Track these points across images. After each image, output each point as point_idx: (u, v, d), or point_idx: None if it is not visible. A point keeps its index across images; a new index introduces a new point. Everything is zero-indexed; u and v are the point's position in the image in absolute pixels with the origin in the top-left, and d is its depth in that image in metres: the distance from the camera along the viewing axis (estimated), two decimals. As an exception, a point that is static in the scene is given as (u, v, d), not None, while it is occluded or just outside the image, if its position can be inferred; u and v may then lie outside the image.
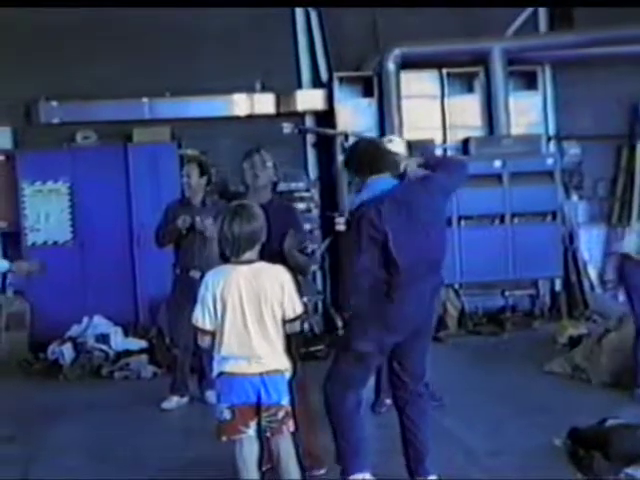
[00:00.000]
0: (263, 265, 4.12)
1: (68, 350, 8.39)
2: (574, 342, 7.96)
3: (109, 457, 5.63)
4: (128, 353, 8.41)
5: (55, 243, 9.55)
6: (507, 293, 10.14)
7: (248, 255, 4.09)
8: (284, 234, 4.62)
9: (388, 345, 4.47)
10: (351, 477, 4.46)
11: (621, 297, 6.95)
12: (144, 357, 8.34)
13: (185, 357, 6.95)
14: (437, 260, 4.53)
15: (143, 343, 8.59)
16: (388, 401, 6.15)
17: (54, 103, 9.93)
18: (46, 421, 6.52)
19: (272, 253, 4.54)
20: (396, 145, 6.04)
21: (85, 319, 8.76)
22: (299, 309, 4.10)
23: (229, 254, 4.09)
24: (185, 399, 6.96)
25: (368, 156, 4.59)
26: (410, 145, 6.25)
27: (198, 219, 6.68)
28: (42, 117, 9.95)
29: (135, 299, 9.54)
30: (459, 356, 8.39)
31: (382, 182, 4.47)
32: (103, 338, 8.55)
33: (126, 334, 8.77)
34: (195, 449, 5.55)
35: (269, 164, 4.84)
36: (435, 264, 4.51)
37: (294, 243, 4.70)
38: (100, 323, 8.74)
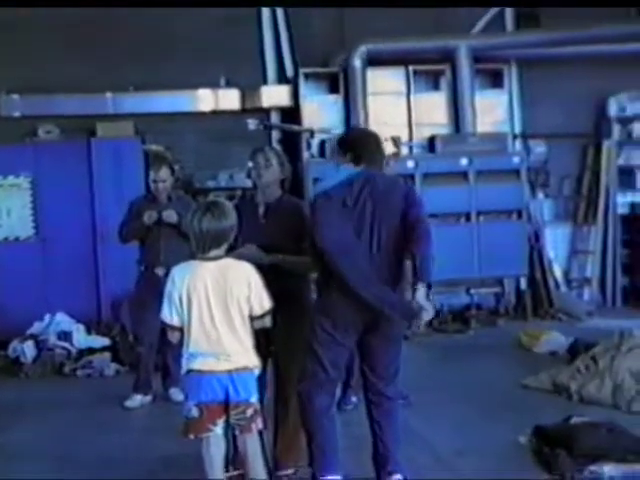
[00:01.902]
0: (230, 262, 4.12)
1: (29, 348, 8.31)
2: (555, 353, 7.93)
3: (71, 457, 5.57)
4: (91, 351, 8.36)
5: (17, 239, 9.45)
6: (472, 291, 10.22)
7: (215, 252, 4.09)
8: (293, 233, 4.61)
9: (342, 343, 4.44)
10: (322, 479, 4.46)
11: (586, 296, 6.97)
12: (107, 355, 8.28)
13: (149, 355, 6.91)
14: (385, 262, 4.42)
15: (106, 341, 8.52)
16: (354, 398, 6.20)
17: (15, 96, 9.87)
18: (6, 420, 6.44)
19: (282, 252, 4.57)
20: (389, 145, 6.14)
21: (47, 316, 8.68)
22: (267, 305, 4.10)
23: (195, 249, 4.10)
24: (149, 397, 6.93)
25: (373, 146, 4.66)
26: (396, 142, 6.31)
27: (165, 213, 6.66)
28: (3, 110, 9.88)
29: (98, 296, 9.47)
30: (425, 354, 8.41)
31: (352, 171, 4.53)
32: (65, 335, 8.48)
33: (89, 331, 8.70)
34: (160, 448, 5.51)
35: (274, 162, 4.83)
36: (383, 265, 4.41)
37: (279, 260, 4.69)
38: (62, 320, 8.67)
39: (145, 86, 9.98)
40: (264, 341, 4.38)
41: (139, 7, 9.45)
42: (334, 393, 4.61)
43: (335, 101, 10.28)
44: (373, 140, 4.72)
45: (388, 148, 6.11)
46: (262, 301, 4.09)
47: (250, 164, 4.91)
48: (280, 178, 4.89)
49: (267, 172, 4.82)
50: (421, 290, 4.29)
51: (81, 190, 9.46)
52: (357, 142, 4.68)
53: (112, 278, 9.31)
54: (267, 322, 4.16)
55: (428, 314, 4.32)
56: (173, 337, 4.16)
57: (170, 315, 4.08)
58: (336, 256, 4.31)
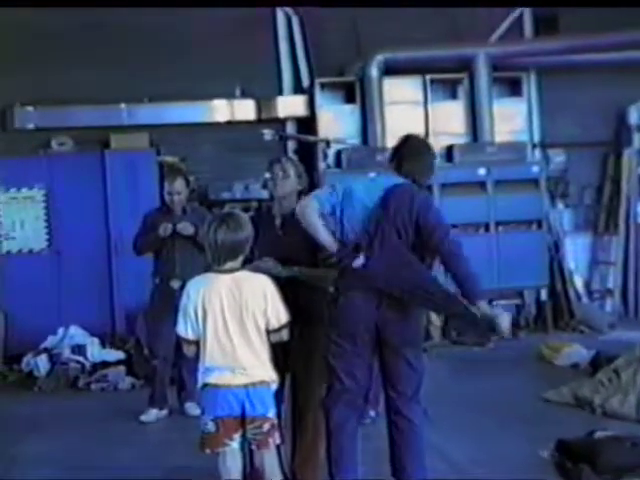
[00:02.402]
0: (246, 274, 4.11)
1: (43, 361, 8.34)
2: (577, 366, 7.87)
3: (86, 471, 5.57)
4: (105, 364, 8.38)
5: (30, 251, 9.52)
6: (492, 303, 10.17)
7: (230, 264, 4.09)
8: (310, 245, 4.61)
9: (353, 353, 4.41)
10: None
11: (608, 307, 6.91)
12: (122, 368, 8.30)
13: (164, 368, 6.92)
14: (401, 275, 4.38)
15: (121, 354, 8.54)
16: (372, 412, 6.16)
17: (29, 108, 9.94)
18: (21, 434, 6.47)
19: (299, 265, 4.58)
20: None
21: (61, 329, 8.70)
22: (284, 318, 4.09)
23: (211, 262, 4.10)
24: (164, 411, 6.93)
25: (428, 161, 4.66)
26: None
27: (180, 225, 6.68)
28: (17, 122, 9.95)
29: (112, 309, 9.51)
30: (443, 367, 8.38)
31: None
32: (79, 349, 8.50)
33: (103, 345, 8.73)
34: (176, 462, 5.51)
35: (291, 172, 4.84)
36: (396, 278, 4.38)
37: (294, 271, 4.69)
38: (76, 334, 8.69)
39: (160, 97, 10.03)
40: (282, 355, 4.37)
41: (147, 7, 9.47)
42: (355, 404, 4.51)
43: (351, 111, 10.29)
44: (423, 149, 4.69)
45: None
46: (279, 314, 4.09)
47: (267, 175, 4.90)
48: (297, 189, 4.88)
49: (284, 183, 4.81)
50: (483, 305, 4.37)
51: (95, 202, 9.51)
52: (404, 149, 4.65)
53: (126, 291, 9.34)
54: (284, 335, 4.15)
55: (504, 318, 4.42)
56: (189, 351, 4.16)
57: (185, 329, 4.09)
58: None
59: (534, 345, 8.80)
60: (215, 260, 4.09)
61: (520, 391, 7.17)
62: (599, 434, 5.30)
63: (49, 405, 7.53)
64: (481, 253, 9.78)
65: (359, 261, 4.35)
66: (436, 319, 9.73)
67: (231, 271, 4.08)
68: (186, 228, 6.68)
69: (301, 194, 4.92)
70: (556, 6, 10.37)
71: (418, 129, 10.24)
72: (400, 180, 4.53)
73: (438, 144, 10.28)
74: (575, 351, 8.21)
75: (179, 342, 4.29)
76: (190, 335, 4.08)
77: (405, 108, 10.31)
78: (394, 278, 4.32)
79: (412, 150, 4.64)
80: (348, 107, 10.35)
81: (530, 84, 10.77)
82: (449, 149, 10.23)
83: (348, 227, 4.44)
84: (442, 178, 9.76)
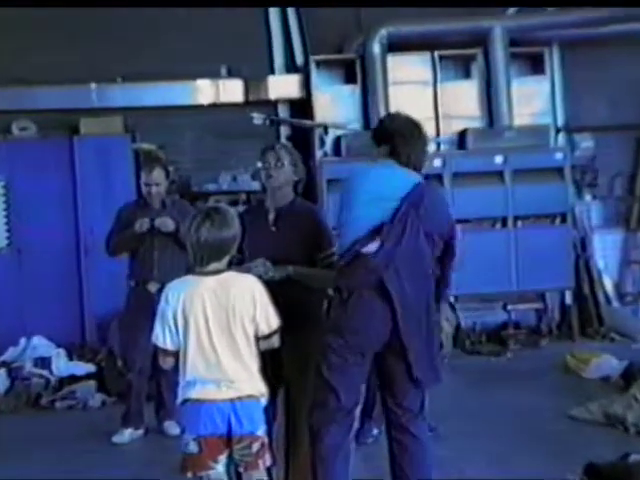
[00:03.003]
0: (231, 275, 4.11)
1: (1, 377, 8.33)
2: (607, 379, 7.88)
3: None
4: (73, 379, 8.36)
5: (-12, 250, 9.53)
6: (510, 307, 10.20)
7: (215, 265, 4.09)
8: (307, 242, 4.61)
9: (356, 366, 4.40)
10: None
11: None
12: (92, 383, 8.29)
13: (140, 383, 6.93)
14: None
15: (91, 367, 8.54)
16: (375, 431, 6.18)
17: (-15, 89, 9.92)
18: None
19: (295, 264, 4.59)
20: None
21: (22, 340, 8.71)
22: (275, 323, 4.09)
23: (193, 262, 4.10)
24: (140, 431, 6.93)
25: (417, 140, 4.62)
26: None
27: (159, 221, 6.69)
28: (-28, 105, 9.93)
29: (82, 316, 9.53)
30: (455, 379, 8.36)
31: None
32: (43, 362, 8.49)
33: (70, 357, 8.74)
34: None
35: (286, 162, 4.85)
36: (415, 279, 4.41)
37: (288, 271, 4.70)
38: (40, 344, 8.69)
39: (135, 76, 10.02)
40: (272, 365, 4.37)
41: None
42: (350, 425, 4.53)
43: (351, 92, 10.30)
44: (417, 132, 4.64)
45: None
46: (269, 318, 4.08)
47: (259, 164, 4.92)
48: (293, 180, 4.90)
49: (278, 173, 4.83)
50: (445, 308, 4.45)
51: (62, 195, 9.53)
52: (398, 132, 4.60)
53: (98, 295, 9.35)
54: (275, 342, 4.15)
55: (445, 330, 4.45)
56: (165, 363, 4.16)
57: (163, 337, 4.07)
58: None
59: (558, 355, 8.80)
60: (197, 261, 4.08)
61: (543, 407, 7.16)
62: (634, 457, 5.29)
63: (8, 427, 7.51)
64: (498, 251, 9.84)
65: (373, 246, 4.32)
66: (447, 326, 9.75)
67: (215, 273, 4.08)
68: (165, 224, 6.68)
69: (297, 185, 4.94)
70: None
71: (427, 112, 10.29)
72: (416, 176, 4.52)
73: (449, 129, 10.38)
74: (605, 362, 8.21)
75: (157, 353, 4.29)
76: (168, 345, 4.07)
77: (411, 89, 10.31)
78: (409, 283, 4.33)
79: (407, 132, 4.58)
80: (347, 88, 10.36)
81: (553, 60, 10.75)
82: (462, 134, 10.25)
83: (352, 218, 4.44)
84: (454, 167, 9.81)
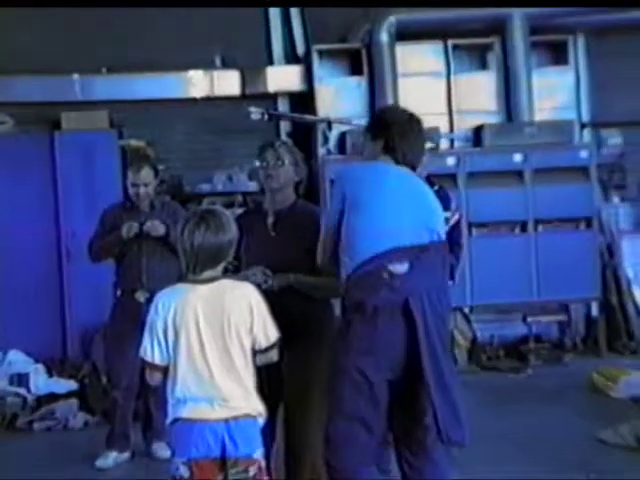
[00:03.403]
0: (226, 283, 4.10)
1: (-26, 396, 8.34)
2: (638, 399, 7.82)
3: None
4: (52, 397, 8.32)
5: (-40, 257, 9.52)
6: (530, 319, 10.17)
7: (209, 273, 4.09)
8: (310, 248, 4.60)
9: (380, 386, 4.36)
10: None
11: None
12: (73, 402, 8.25)
13: (127, 401, 6.91)
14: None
15: (72, 384, 8.51)
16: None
17: (-42, 80, 9.93)
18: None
19: (297, 271, 4.60)
20: None
21: (-3, 355, 8.71)
22: (274, 336, 4.09)
23: (185, 269, 4.09)
24: (126, 454, 6.91)
25: (415, 134, 4.60)
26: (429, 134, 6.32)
27: (148, 225, 6.67)
28: (-57, 97, 9.94)
29: (63, 328, 9.52)
30: (471, 398, 8.27)
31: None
32: (20, 379, 8.47)
33: (50, 373, 8.72)
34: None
35: (286, 160, 4.85)
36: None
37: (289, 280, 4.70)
38: (17, 360, 8.69)
39: (121, 66, 10.06)
40: (271, 381, 4.36)
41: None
42: (372, 454, 4.45)
43: (357, 85, 10.34)
44: (417, 127, 4.62)
45: None
46: (267, 330, 4.08)
47: (257, 163, 4.92)
48: (294, 181, 4.90)
49: (278, 173, 4.85)
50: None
51: (42, 195, 9.53)
52: (394, 126, 4.57)
53: (81, 305, 9.34)
54: (274, 356, 4.14)
55: None
56: (152, 378, 4.15)
57: (151, 351, 4.07)
58: None
59: (583, 372, 8.80)
60: (191, 268, 4.08)
61: (567, 429, 7.15)
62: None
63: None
64: (517, 258, 9.84)
65: (402, 267, 4.28)
66: (461, 339, 9.75)
67: (210, 281, 4.07)
68: (155, 228, 6.67)
69: (298, 186, 4.93)
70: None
71: (439, 106, 10.32)
72: (411, 173, 4.53)
73: (464, 124, 10.39)
74: (635, 380, 8.19)
75: (145, 368, 4.28)
76: (157, 359, 4.06)
77: (423, 81, 10.37)
78: (432, 316, 4.31)
79: (406, 126, 4.56)
80: (353, 80, 10.40)
81: (577, 49, 10.77)
82: (477, 130, 10.26)
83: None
84: (469, 166, 9.80)
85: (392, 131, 4.53)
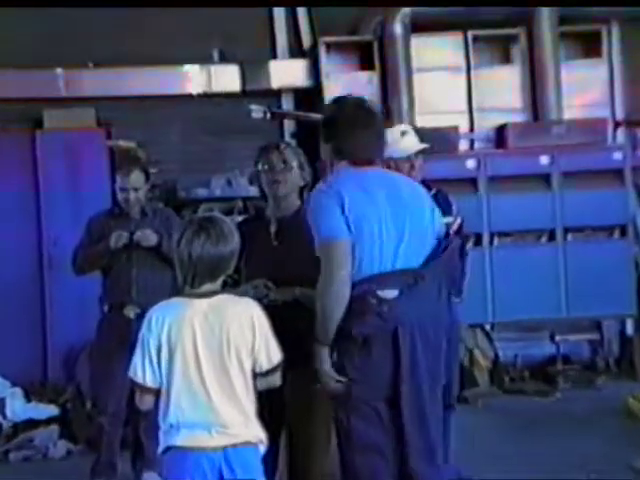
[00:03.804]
0: (226, 299, 4.11)
1: (-58, 423, 8.35)
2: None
3: None
4: (31, 424, 8.32)
5: None
6: (558, 338, 10.15)
7: (208, 287, 4.09)
8: (315, 259, 4.58)
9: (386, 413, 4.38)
10: None
11: None
12: (54, 429, 8.25)
13: (114, 427, 6.90)
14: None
15: (53, 410, 8.51)
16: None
17: None
18: None
19: (302, 284, 4.61)
20: (410, 139, 6.13)
21: (-31, 378, 8.71)
22: (276, 358, 4.10)
23: (182, 283, 4.10)
24: (113, 486, 6.93)
25: (381, 137, 4.60)
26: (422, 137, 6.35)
27: (139, 233, 6.66)
28: None
29: (44, 347, 9.53)
30: (493, 423, 8.38)
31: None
32: (-5, 404, 8.51)
33: (29, 398, 8.72)
34: None
35: (293, 164, 4.86)
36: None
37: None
38: (-9, 383, 8.71)
39: (110, 60, 10.05)
40: (272, 405, 4.35)
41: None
42: None
43: (368, 80, 10.33)
44: (365, 119, 4.54)
45: (407, 143, 6.12)
46: (270, 351, 4.09)
47: (259, 166, 4.93)
48: (300, 185, 4.90)
49: (285, 179, 4.87)
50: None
51: (22, 200, 9.55)
52: (339, 124, 4.52)
53: (64, 322, 9.34)
54: (276, 380, 4.16)
55: None
56: (143, 402, 4.15)
57: (142, 371, 4.06)
58: None
59: (617, 396, 8.79)
60: (188, 281, 4.08)
61: (600, 458, 7.11)
62: None
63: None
64: (543, 270, 9.83)
65: (391, 292, 4.29)
66: (482, 359, 9.72)
67: (208, 295, 4.08)
68: (146, 237, 6.66)
69: (303, 191, 4.93)
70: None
71: (458, 103, 10.32)
72: (387, 173, 4.58)
73: (485, 123, 10.38)
74: (674, 405, 8.20)
75: (134, 391, 4.27)
76: (148, 380, 4.06)
77: (440, 76, 10.38)
78: (423, 349, 4.32)
79: (351, 124, 4.49)
80: (363, 75, 10.40)
81: (611, 40, 10.72)
82: (500, 130, 10.26)
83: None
84: (491, 169, 9.79)
85: (338, 131, 4.50)
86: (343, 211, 4.28)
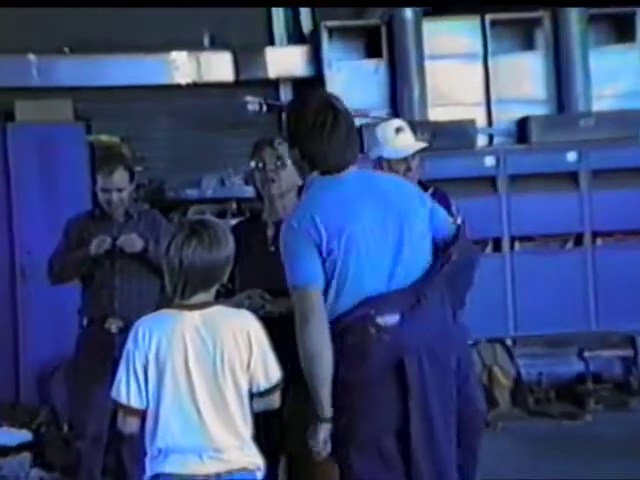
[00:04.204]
0: (221, 310, 4.11)
1: None
2: None
3: None
4: (1, 451, 8.30)
5: None
6: (587, 354, 10.13)
7: (200, 297, 4.10)
8: None
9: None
10: None
11: None
12: (26, 456, 8.23)
13: (94, 453, 6.86)
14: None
15: (26, 435, 8.51)
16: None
17: None
18: None
19: None
20: (406, 137, 6.15)
21: None
22: (275, 376, 4.10)
23: (172, 293, 4.09)
24: (93, 519, 6.92)
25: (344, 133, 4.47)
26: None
27: (123, 238, 6.63)
28: None
29: (16, 366, 9.54)
30: (517, 448, 8.38)
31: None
32: (-40, 429, 8.52)
33: (-1, 422, 8.74)
34: None
35: (288, 161, 4.87)
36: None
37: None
38: (-44, 405, 8.73)
39: (89, 46, 10.06)
40: (269, 428, 4.35)
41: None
42: None
43: (375, 69, 10.37)
44: (331, 118, 4.43)
45: (403, 142, 6.14)
46: (268, 370, 4.09)
47: (253, 164, 4.93)
48: (298, 184, 4.90)
49: (279, 177, 4.90)
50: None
51: (-8, 202, 9.55)
52: (301, 128, 4.45)
53: (38, 337, 9.35)
54: (275, 401, 4.16)
55: None
56: (126, 425, 4.13)
57: (127, 391, 4.05)
58: None
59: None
60: (178, 291, 4.08)
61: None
62: None
63: None
64: (570, 279, 9.84)
65: (392, 318, 4.26)
66: (502, 377, 9.70)
67: (201, 306, 4.08)
68: (131, 242, 6.63)
69: (301, 190, 4.93)
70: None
71: (475, 94, 10.33)
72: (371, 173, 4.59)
73: (505, 116, 10.38)
74: None
75: (117, 412, 4.27)
76: (133, 401, 4.05)
77: (455, 64, 10.42)
78: (433, 380, 4.30)
79: (315, 126, 4.39)
80: (370, 63, 10.45)
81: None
82: (522, 124, 10.27)
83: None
84: (512, 167, 9.78)
85: (301, 136, 4.43)
86: (320, 241, 4.23)
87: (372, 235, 4.29)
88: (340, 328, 4.27)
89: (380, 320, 4.24)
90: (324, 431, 4.30)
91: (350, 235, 4.24)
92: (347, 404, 4.29)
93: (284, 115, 4.69)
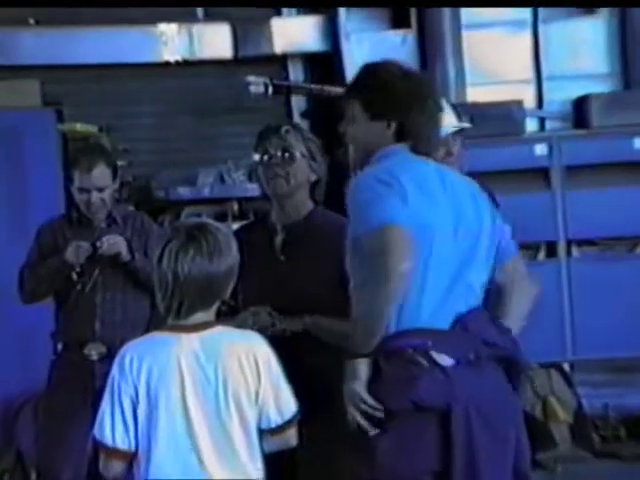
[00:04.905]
0: (223, 332, 4.15)
1: None
2: None
3: None
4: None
5: None
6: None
7: (200, 316, 4.12)
8: (334, 276, 4.59)
9: None
10: None
11: None
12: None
13: (70, 507, 6.94)
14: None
15: (-12, 481, 8.60)
16: None
17: None
18: None
19: (316, 310, 4.64)
20: (445, 116, 6.18)
21: None
22: (290, 409, 4.12)
23: (165, 311, 4.11)
24: None
25: (423, 101, 4.52)
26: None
27: (105, 245, 6.60)
28: None
29: (-22, 399, 9.56)
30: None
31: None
32: None
33: (-47, 467, 8.80)
34: None
35: (297, 152, 4.92)
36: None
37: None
38: None
39: (60, 18, 10.11)
40: (278, 467, 4.36)
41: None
42: None
43: (401, 41, 10.40)
44: (434, 95, 4.59)
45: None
46: (281, 402, 4.11)
47: (256, 157, 4.96)
48: (310, 181, 4.94)
49: (287, 172, 4.94)
50: None
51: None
52: (412, 101, 4.48)
53: (3, 366, 9.35)
54: (290, 439, 4.20)
55: None
56: (109, 469, 4.15)
57: (111, 429, 4.07)
58: None
59: None
60: (173, 309, 4.10)
61: None
62: None
63: None
64: (640, 290, 9.80)
65: (447, 359, 4.25)
66: (560, 409, 9.66)
67: (201, 327, 4.11)
68: (112, 245, 6.62)
69: (316, 188, 4.97)
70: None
71: (521, 70, 10.34)
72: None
73: (559, 96, 10.40)
74: None
75: (98, 455, 4.29)
76: (119, 441, 4.07)
77: (497, 33, 10.44)
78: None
79: (425, 100, 4.49)
80: (396, 35, 10.48)
81: None
82: (579, 104, 10.29)
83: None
84: (567, 157, 9.77)
85: (411, 109, 4.46)
86: (405, 197, 4.18)
87: (444, 238, 4.27)
88: (386, 348, 4.24)
89: (435, 356, 4.23)
90: (364, 371, 4.18)
91: (426, 226, 4.21)
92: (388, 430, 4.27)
93: (380, 76, 4.55)
